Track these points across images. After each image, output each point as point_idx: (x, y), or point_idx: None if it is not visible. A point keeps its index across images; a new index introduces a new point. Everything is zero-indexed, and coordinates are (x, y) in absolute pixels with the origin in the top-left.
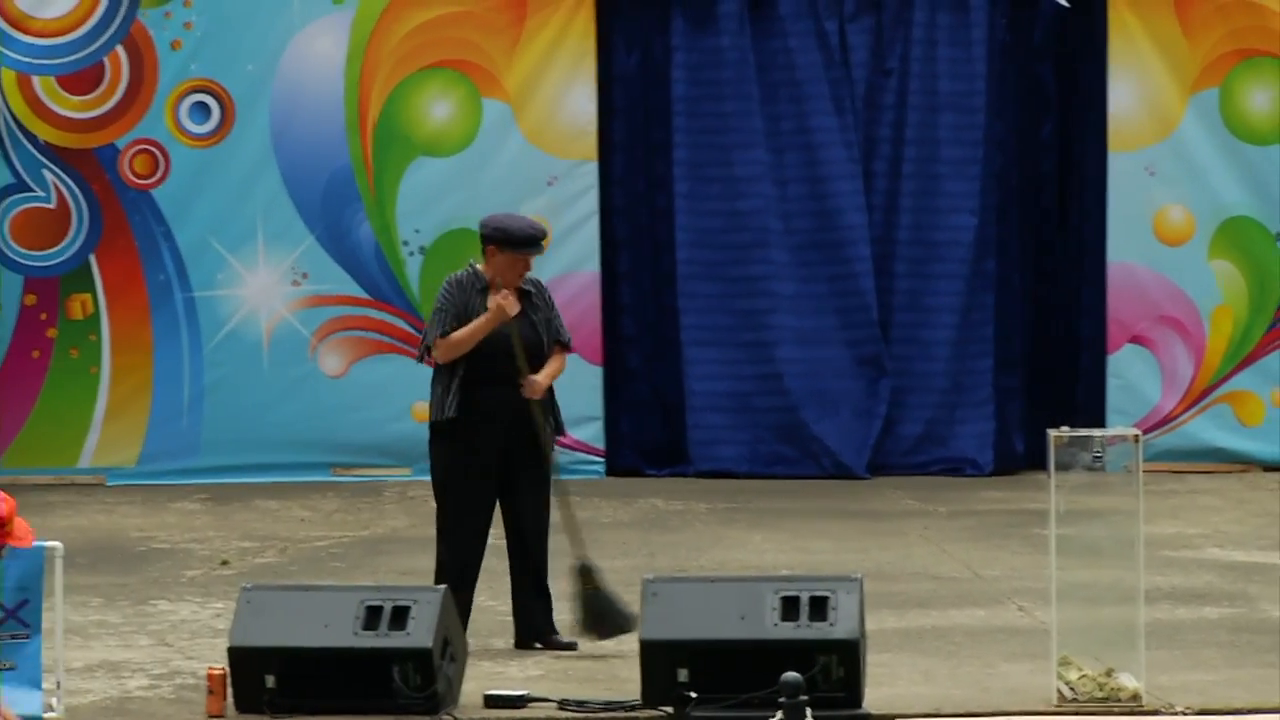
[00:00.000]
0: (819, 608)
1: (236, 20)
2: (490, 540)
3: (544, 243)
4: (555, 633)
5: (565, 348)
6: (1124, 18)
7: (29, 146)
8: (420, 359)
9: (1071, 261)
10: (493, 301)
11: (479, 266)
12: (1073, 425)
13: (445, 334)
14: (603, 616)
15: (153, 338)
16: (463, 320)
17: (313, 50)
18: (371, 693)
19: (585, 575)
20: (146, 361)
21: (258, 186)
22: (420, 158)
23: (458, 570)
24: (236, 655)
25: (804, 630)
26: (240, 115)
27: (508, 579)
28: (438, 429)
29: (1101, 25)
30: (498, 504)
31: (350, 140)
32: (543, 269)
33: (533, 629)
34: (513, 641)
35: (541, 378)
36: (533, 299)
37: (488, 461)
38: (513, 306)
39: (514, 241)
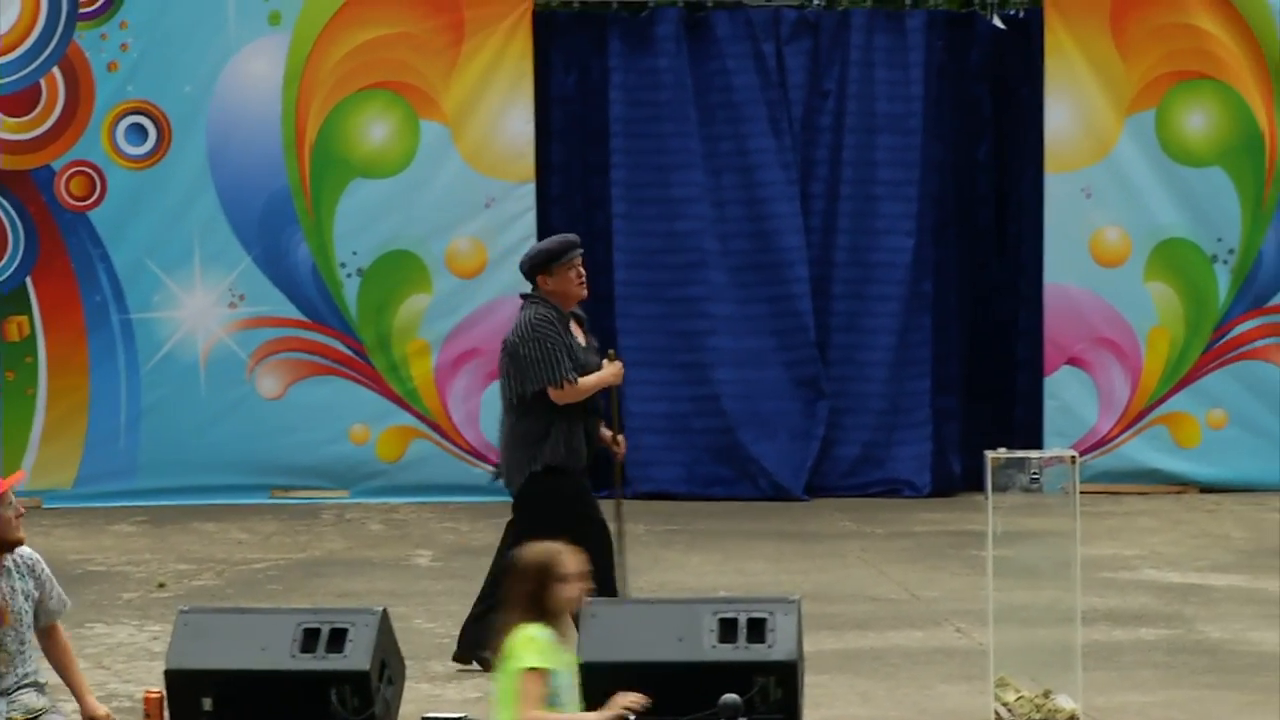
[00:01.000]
0: (757, 629)
1: (173, 42)
2: (425, 561)
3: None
4: None
5: None
6: (1060, 40)
7: None
8: (557, 385)
9: (1008, 283)
10: (614, 373)
11: (539, 307)
12: (1010, 447)
13: (575, 380)
14: None
15: (89, 360)
16: (573, 358)
17: (250, 71)
18: (309, 715)
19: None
20: (83, 383)
21: (194, 208)
22: (358, 179)
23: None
24: (173, 678)
25: (742, 652)
26: (177, 137)
27: (444, 599)
28: (546, 475)
29: (1038, 47)
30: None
31: (288, 162)
32: (480, 291)
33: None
34: (451, 664)
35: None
36: (585, 324)
37: (591, 501)
38: (621, 374)
39: (556, 254)
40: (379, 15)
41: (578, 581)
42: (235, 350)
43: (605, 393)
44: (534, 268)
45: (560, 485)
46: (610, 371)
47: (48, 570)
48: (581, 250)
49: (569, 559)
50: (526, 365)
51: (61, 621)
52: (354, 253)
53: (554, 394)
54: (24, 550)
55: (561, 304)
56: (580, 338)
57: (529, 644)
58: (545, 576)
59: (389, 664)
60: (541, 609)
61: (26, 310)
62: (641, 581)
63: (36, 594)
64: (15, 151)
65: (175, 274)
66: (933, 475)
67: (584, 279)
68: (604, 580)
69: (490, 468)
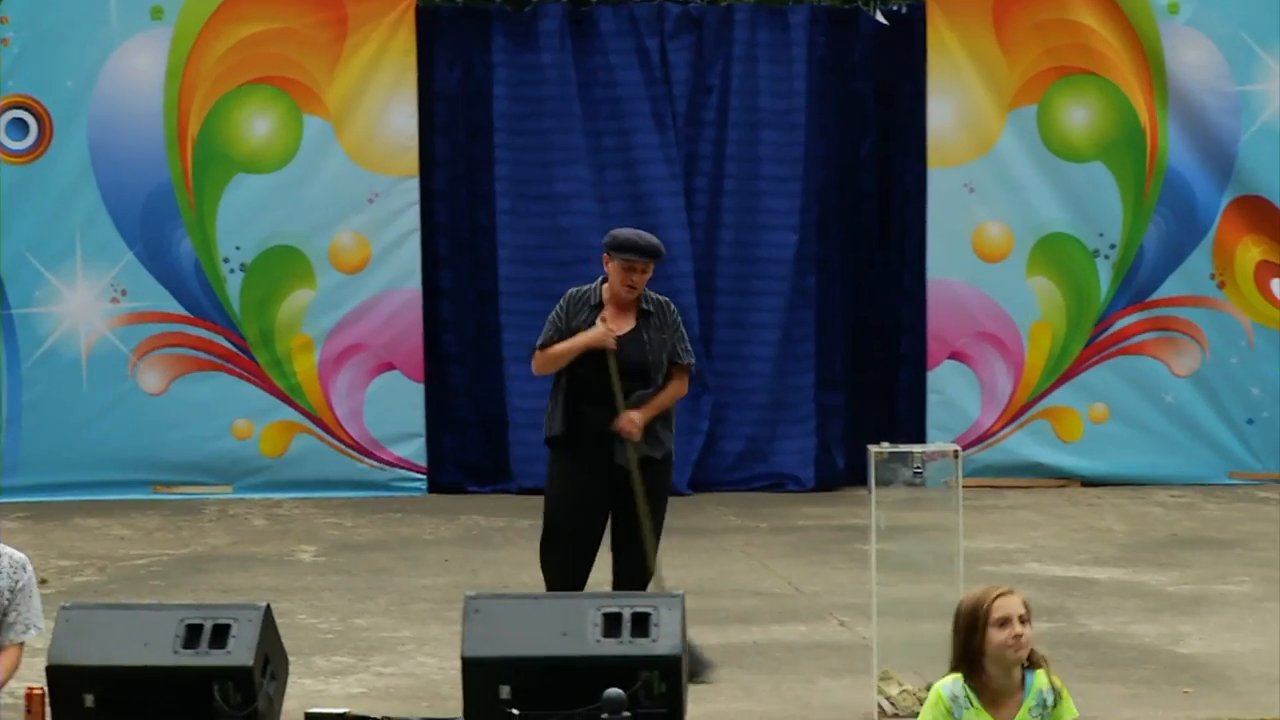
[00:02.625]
0: (641, 624)
1: (54, 36)
2: (309, 557)
3: (657, 256)
4: None
5: (685, 370)
6: (943, 35)
7: None
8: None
9: (892, 278)
10: (596, 330)
11: (603, 284)
12: (893, 441)
13: (544, 345)
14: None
15: None
16: (564, 334)
17: (132, 66)
18: (191, 711)
19: None
20: None
21: (76, 203)
22: (240, 174)
23: (562, 582)
24: (55, 674)
25: (626, 646)
26: (59, 131)
27: (327, 595)
28: (550, 444)
29: (921, 43)
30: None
31: (170, 157)
32: (363, 286)
33: None
34: (335, 659)
35: (639, 415)
36: (651, 318)
37: (594, 478)
38: (610, 334)
39: (619, 246)
40: (262, 10)
41: (1011, 626)
42: (118, 346)
43: (604, 368)
44: (605, 246)
45: (555, 458)
46: (585, 336)
47: (31, 584)
48: (646, 259)
49: (1005, 601)
50: None
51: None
52: (237, 248)
53: (533, 365)
54: (15, 555)
55: (613, 291)
56: (607, 334)
57: (929, 707)
58: (974, 620)
59: (272, 660)
60: (970, 658)
61: None
62: (526, 576)
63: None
64: None
65: (57, 269)
66: (816, 470)
67: (634, 286)
68: (567, 571)
69: None
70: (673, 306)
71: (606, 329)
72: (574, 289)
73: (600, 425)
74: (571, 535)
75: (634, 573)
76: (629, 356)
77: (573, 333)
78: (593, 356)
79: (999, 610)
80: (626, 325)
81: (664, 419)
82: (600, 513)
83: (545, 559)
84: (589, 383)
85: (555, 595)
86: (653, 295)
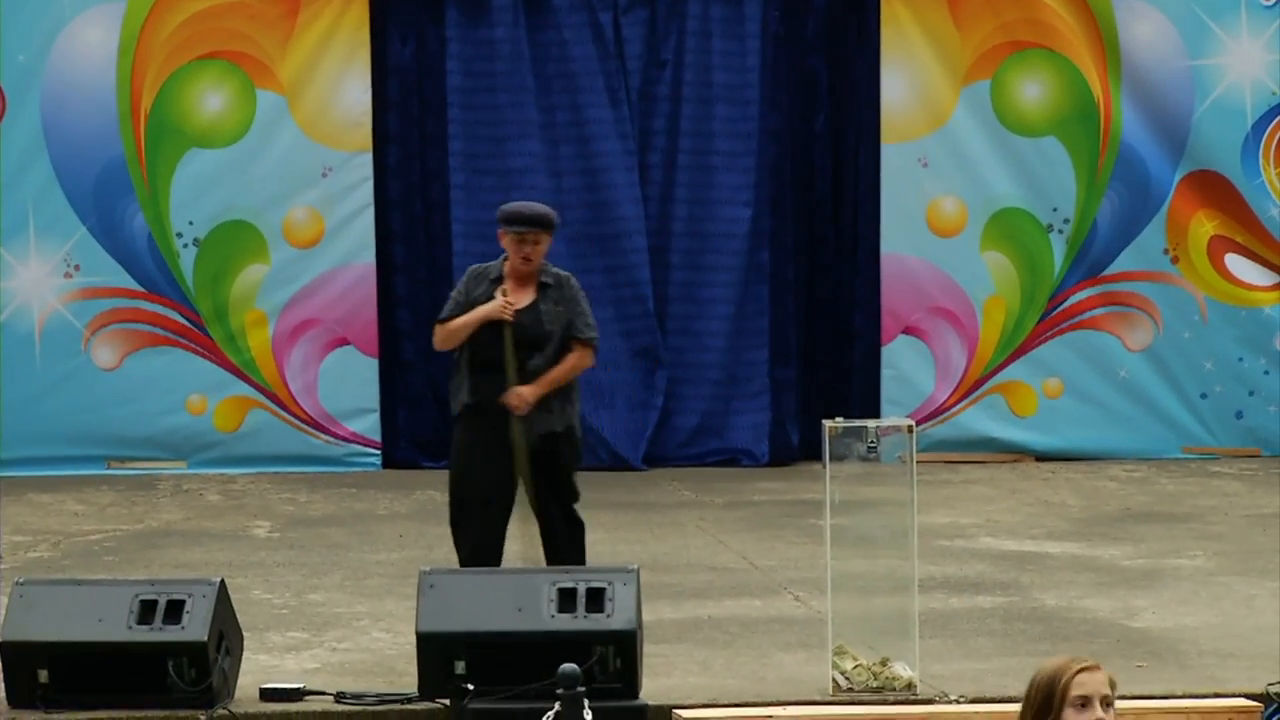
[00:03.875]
0: (596, 599)
1: (6, 10)
2: (263, 532)
3: (547, 225)
4: None
5: (585, 344)
6: (896, 10)
7: None
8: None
9: (845, 253)
10: (494, 303)
11: (504, 261)
12: (847, 416)
13: (444, 320)
14: None
15: None
16: (464, 309)
17: (84, 40)
18: (146, 687)
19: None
20: None
21: (28, 178)
22: (194, 149)
23: (469, 557)
24: (8, 650)
25: (581, 622)
26: (11, 106)
27: (282, 570)
28: (455, 419)
29: (874, 18)
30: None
31: (123, 132)
32: (317, 261)
33: None
34: (290, 635)
35: (529, 390)
36: (550, 291)
37: (498, 450)
38: (507, 307)
39: (508, 219)
40: None
41: (1092, 709)
42: (71, 321)
43: (502, 341)
44: (498, 217)
45: (459, 432)
46: (482, 310)
47: None
48: (531, 229)
49: (1087, 678)
50: None
51: None
52: (190, 223)
53: (434, 340)
54: None
55: (513, 264)
56: (504, 306)
57: None
58: (1049, 696)
59: (226, 635)
60: None
61: None
62: None
63: None
64: None
65: (10, 244)
66: (770, 445)
67: (528, 258)
68: (480, 546)
69: None
70: (575, 282)
71: (504, 301)
72: (475, 265)
73: (501, 397)
74: (481, 509)
75: (558, 540)
76: (525, 328)
77: (472, 307)
78: (492, 330)
79: (1079, 688)
80: (526, 298)
81: (564, 394)
82: (508, 483)
83: (458, 535)
84: (489, 356)
85: (510, 570)
86: (554, 270)
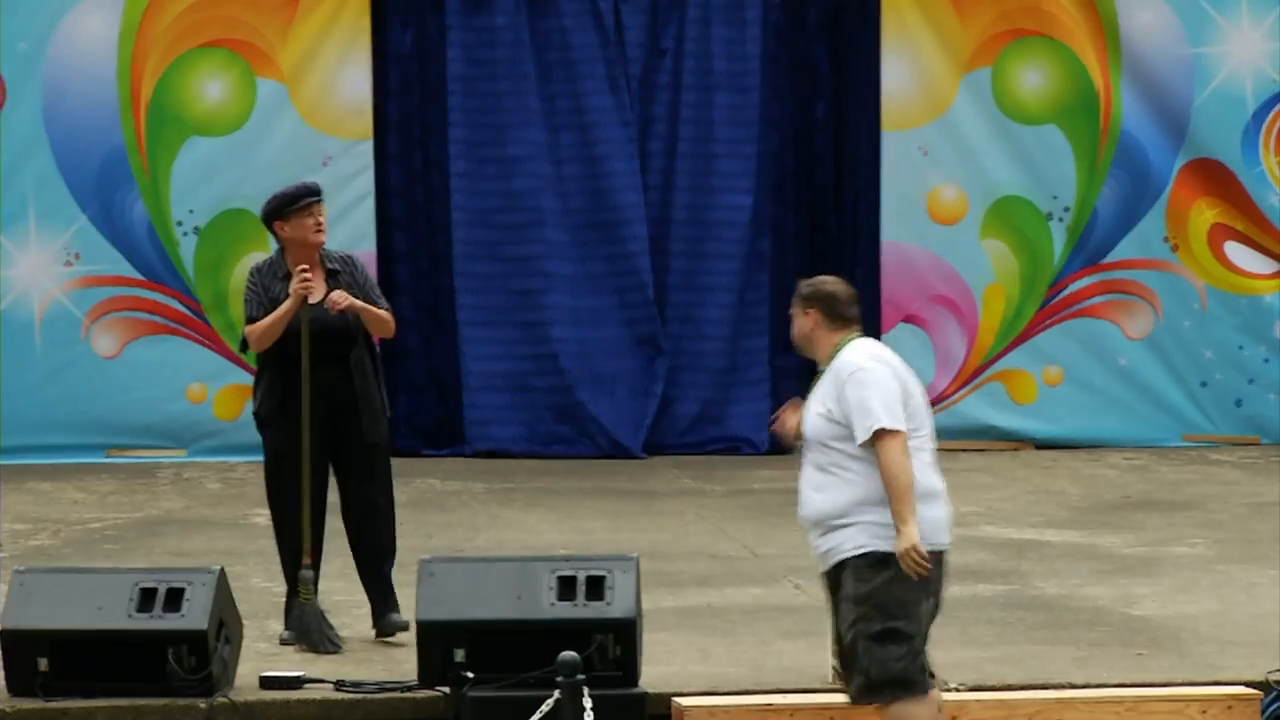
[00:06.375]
0: (596, 587)
1: None
2: (263, 521)
3: (321, 191)
4: (385, 618)
5: (389, 313)
6: None
7: None
8: (241, 350)
9: (845, 241)
10: (293, 286)
11: (269, 256)
12: None
13: (253, 320)
14: (306, 630)
15: None
16: (269, 307)
17: (85, 29)
18: (146, 675)
19: (305, 585)
20: None
21: (29, 166)
22: (194, 137)
23: (291, 562)
24: (8, 638)
25: (581, 610)
26: (11, 94)
27: (279, 560)
28: (260, 421)
29: (875, 5)
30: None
31: (124, 120)
32: None
33: (374, 617)
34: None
35: (346, 302)
36: (340, 276)
37: (308, 445)
38: (315, 291)
39: (290, 199)
40: None
41: None
42: (71, 309)
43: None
44: (269, 214)
45: (267, 439)
46: (288, 302)
47: None
48: (319, 198)
49: None
50: None
51: None
52: (190, 211)
53: (250, 345)
54: None
55: (299, 252)
56: (320, 289)
57: None
58: None
59: (226, 623)
60: None
61: None
62: (480, 540)
63: None
64: None
65: (10, 232)
66: (771, 433)
67: (321, 227)
68: (298, 556)
69: None
70: (359, 260)
71: (302, 278)
72: (255, 264)
73: (310, 391)
74: (297, 507)
75: (372, 539)
76: (330, 319)
77: (275, 304)
78: (296, 325)
79: None
80: (318, 291)
81: (370, 372)
82: (318, 479)
83: (280, 535)
84: (296, 349)
85: (510, 558)
86: (335, 253)
